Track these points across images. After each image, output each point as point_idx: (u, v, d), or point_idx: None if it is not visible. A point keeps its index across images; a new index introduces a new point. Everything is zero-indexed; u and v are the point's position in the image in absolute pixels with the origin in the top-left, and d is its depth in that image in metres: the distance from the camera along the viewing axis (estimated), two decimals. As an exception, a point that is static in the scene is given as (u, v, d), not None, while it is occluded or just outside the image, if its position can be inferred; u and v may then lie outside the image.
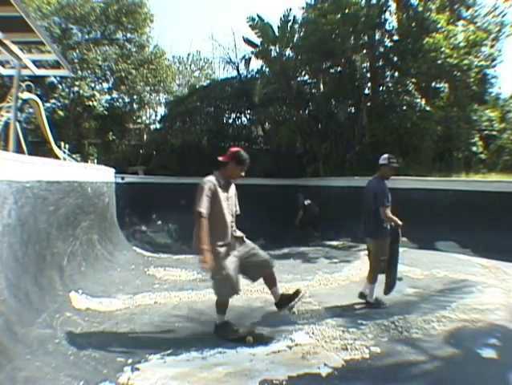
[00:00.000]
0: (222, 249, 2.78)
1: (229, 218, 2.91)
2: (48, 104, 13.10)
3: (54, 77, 13.10)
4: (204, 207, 2.66)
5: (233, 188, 3.11)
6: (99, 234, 5.61)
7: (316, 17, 10.54)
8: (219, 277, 2.77)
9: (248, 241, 3.04)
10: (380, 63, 11.18)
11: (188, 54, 20.49)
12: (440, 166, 9.60)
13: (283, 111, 12.87)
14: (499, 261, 5.49)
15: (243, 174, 3.06)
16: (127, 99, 15.26)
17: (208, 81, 17.95)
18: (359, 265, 5.59)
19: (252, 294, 4.12)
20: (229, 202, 2.97)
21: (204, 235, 2.59)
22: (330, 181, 10.15)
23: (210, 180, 2.82)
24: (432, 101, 10.30)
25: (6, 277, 2.71)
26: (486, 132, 10.24)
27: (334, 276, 4.92)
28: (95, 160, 11.15)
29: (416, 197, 7.71)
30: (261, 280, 3.08)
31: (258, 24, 11.42)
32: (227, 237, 2.85)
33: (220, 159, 2.96)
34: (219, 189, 2.83)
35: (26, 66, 7.22)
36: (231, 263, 2.80)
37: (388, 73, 11.44)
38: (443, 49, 9.20)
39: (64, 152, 9.35)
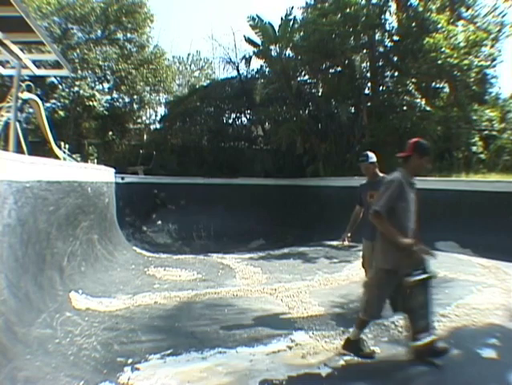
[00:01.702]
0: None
1: (411, 223, 2.57)
2: (48, 104, 13.09)
3: (55, 77, 13.09)
4: (383, 206, 2.39)
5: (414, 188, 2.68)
6: (99, 234, 5.61)
7: (316, 17, 10.54)
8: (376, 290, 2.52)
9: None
10: (380, 63, 11.18)
11: (188, 54, 20.50)
12: (440, 166, 9.59)
13: (283, 111, 12.87)
14: (499, 261, 5.49)
15: (429, 165, 2.68)
16: (127, 99, 15.27)
17: (208, 81, 17.95)
18: (360, 265, 5.58)
19: (252, 294, 4.12)
20: (413, 204, 2.58)
21: (394, 230, 2.36)
22: (330, 181, 10.15)
23: (398, 178, 2.49)
24: (432, 101, 10.30)
25: (6, 277, 2.70)
26: (486, 132, 10.23)
27: (334, 276, 4.92)
28: (95, 160, 11.15)
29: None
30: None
31: (259, 24, 11.43)
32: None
33: (401, 155, 2.63)
34: (406, 188, 2.49)
35: (26, 66, 7.22)
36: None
37: (388, 73, 11.44)
38: (443, 49, 9.20)
39: (64, 152, 9.34)
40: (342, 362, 2.47)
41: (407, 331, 2.60)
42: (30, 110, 10.36)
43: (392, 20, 11.09)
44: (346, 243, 3.55)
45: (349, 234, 3.56)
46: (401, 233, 2.40)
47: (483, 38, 9.83)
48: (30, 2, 12.50)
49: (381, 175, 3.55)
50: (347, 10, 10.07)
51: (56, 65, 8.94)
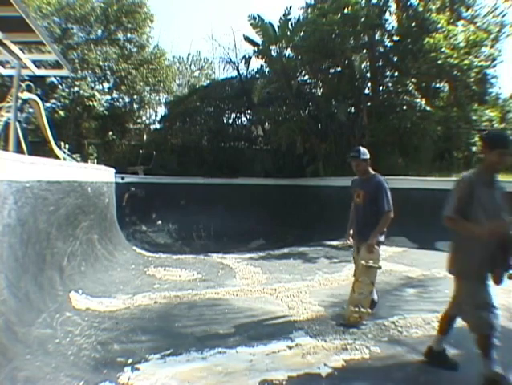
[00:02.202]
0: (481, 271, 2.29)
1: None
2: (48, 104, 13.09)
3: (54, 77, 13.10)
4: (452, 209, 2.28)
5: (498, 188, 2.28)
6: (99, 234, 5.61)
7: (316, 17, 10.54)
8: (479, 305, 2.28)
9: None
10: (380, 63, 11.18)
11: (189, 54, 20.51)
12: (440, 166, 9.60)
13: (283, 111, 12.88)
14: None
15: (509, 158, 2.20)
16: (127, 99, 15.27)
17: (208, 81, 17.96)
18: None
19: (252, 294, 4.12)
20: (493, 205, 2.20)
21: (470, 224, 2.17)
22: (330, 181, 10.15)
23: (467, 177, 2.29)
24: (432, 101, 10.30)
25: (6, 277, 2.70)
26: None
27: (334, 276, 4.92)
28: (95, 160, 11.15)
29: (416, 197, 7.71)
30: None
31: (259, 23, 11.43)
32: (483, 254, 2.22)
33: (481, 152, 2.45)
34: (479, 188, 2.20)
35: (26, 66, 7.22)
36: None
37: (388, 73, 11.44)
38: (443, 49, 9.20)
39: (64, 152, 9.35)
40: (342, 362, 2.47)
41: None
42: (30, 110, 10.37)
43: (391, 20, 11.12)
44: (349, 242, 3.48)
45: (351, 232, 3.49)
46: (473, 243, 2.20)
47: (483, 38, 9.83)
48: (30, 1, 12.51)
49: (372, 173, 3.43)
50: (347, 10, 10.07)
51: (56, 65, 8.95)
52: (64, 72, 9.07)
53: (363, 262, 3.11)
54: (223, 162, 12.60)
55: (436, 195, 7.43)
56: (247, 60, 13.18)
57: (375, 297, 3.31)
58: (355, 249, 3.40)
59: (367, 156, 3.35)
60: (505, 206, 2.25)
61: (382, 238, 3.28)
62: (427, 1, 10.10)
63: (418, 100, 10.03)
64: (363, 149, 3.36)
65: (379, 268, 3.20)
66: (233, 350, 2.65)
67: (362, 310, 3.08)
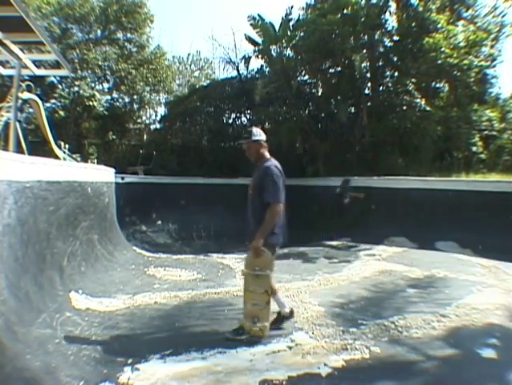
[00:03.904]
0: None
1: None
2: (48, 104, 13.09)
3: (54, 77, 13.10)
4: None
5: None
6: (99, 234, 5.61)
7: (316, 17, 10.55)
8: None
9: None
10: (380, 63, 11.18)
11: (189, 54, 20.51)
12: (440, 166, 9.60)
13: (283, 111, 12.88)
14: (499, 261, 5.49)
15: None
16: (127, 99, 15.27)
17: (208, 81, 17.97)
18: (359, 265, 5.60)
19: (252, 294, 4.12)
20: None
21: None
22: (330, 181, 10.15)
23: None
24: (432, 101, 10.30)
25: (6, 277, 2.70)
26: (486, 132, 10.24)
27: (334, 276, 4.92)
28: (95, 160, 11.15)
29: (416, 197, 7.71)
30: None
31: (259, 23, 11.43)
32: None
33: None
34: None
35: (26, 66, 7.22)
36: None
37: (388, 73, 11.44)
38: (443, 49, 9.20)
39: (64, 152, 9.34)
40: (342, 362, 2.47)
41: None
42: (30, 110, 10.36)
43: (391, 20, 11.11)
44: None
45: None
46: None
47: (483, 38, 9.83)
48: (30, 1, 12.51)
49: (267, 157, 2.94)
50: (347, 10, 10.07)
51: (56, 65, 8.96)
52: (64, 72, 9.08)
53: (246, 271, 2.73)
54: (223, 162, 12.59)
55: (436, 195, 7.46)
56: (247, 60, 13.19)
57: (286, 309, 3.00)
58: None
59: (261, 138, 2.91)
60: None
61: (275, 239, 2.76)
62: (427, 1, 10.10)
63: (418, 100, 10.03)
64: (255, 129, 2.93)
65: (268, 276, 2.73)
66: (233, 350, 2.65)
67: (258, 324, 2.71)
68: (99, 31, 14.48)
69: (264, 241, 2.64)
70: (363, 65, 10.72)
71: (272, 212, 2.63)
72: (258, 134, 2.89)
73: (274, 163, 2.84)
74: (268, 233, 2.65)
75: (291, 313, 3.05)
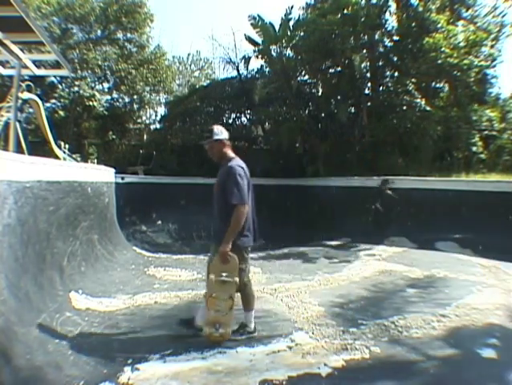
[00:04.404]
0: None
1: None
2: (48, 104, 13.09)
3: (54, 77, 13.10)
4: None
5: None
6: (99, 234, 5.61)
7: (316, 17, 10.55)
8: None
9: None
10: (380, 63, 11.17)
11: (189, 54, 20.52)
12: (440, 166, 9.60)
13: (283, 111, 12.87)
14: (499, 261, 5.49)
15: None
16: (127, 99, 15.27)
17: (208, 81, 17.97)
18: (359, 265, 5.60)
19: (252, 294, 4.12)
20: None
21: None
22: (330, 181, 10.15)
23: None
24: (432, 101, 10.30)
25: (6, 277, 2.70)
26: (486, 132, 10.24)
27: (334, 276, 4.92)
28: (95, 160, 11.15)
29: (416, 197, 7.71)
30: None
31: (259, 23, 11.43)
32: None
33: None
34: None
35: (26, 66, 7.21)
36: None
37: (388, 73, 11.44)
38: (443, 49, 9.19)
39: (64, 152, 9.35)
40: (342, 362, 2.47)
41: None
42: (30, 110, 10.36)
43: (391, 20, 11.10)
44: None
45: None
46: None
47: (483, 38, 9.82)
48: (30, 1, 12.51)
49: (231, 157, 2.81)
50: (347, 10, 10.07)
51: (56, 65, 8.95)
52: (64, 72, 9.07)
53: (212, 277, 2.61)
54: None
55: (436, 195, 7.46)
56: (247, 60, 13.18)
57: (252, 325, 2.88)
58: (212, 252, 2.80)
59: (224, 136, 2.79)
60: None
61: (246, 241, 2.69)
62: (427, 1, 10.10)
63: (418, 100, 10.03)
64: (217, 128, 2.81)
65: (236, 283, 2.65)
66: (233, 350, 2.65)
67: (221, 330, 2.64)
68: (99, 31, 14.48)
69: (233, 243, 2.58)
70: (363, 65, 10.72)
71: (237, 214, 2.55)
72: (220, 133, 2.79)
73: (238, 162, 2.75)
74: (236, 235, 2.60)
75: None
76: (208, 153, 2.81)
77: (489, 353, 2.60)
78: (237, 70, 14.24)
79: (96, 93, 13.80)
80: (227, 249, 2.55)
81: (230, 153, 2.82)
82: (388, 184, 8.25)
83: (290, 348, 2.70)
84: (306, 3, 11.93)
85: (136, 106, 15.65)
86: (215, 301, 2.64)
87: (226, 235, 2.56)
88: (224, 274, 2.61)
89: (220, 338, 2.68)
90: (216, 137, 2.75)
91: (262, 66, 13.53)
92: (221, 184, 2.70)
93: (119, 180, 8.75)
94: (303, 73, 12.41)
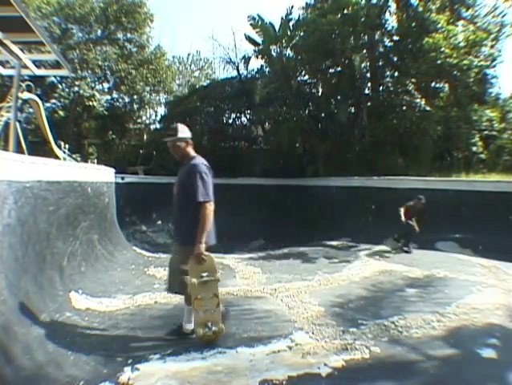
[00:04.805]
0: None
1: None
2: (48, 104, 13.11)
3: (54, 77, 13.12)
4: None
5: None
6: (99, 234, 5.61)
7: (316, 17, 10.56)
8: None
9: None
10: (380, 63, 11.18)
11: (189, 55, 20.54)
12: (440, 166, 9.60)
13: (283, 111, 12.89)
14: (499, 261, 5.49)
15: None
16: (127, 99, 15.29)
17: (208, 81, 17.99)
18: (359, 265, 5.60)
19: (252, 294, 4.12)
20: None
21: None
22: (330, 181, 10.16)
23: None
24: (432, 101, 10.31)
25: (6, 277, 2.70)
26: (486, 132, 10.24)
27: (334, 276, 4.92)
28: (95, 160, 11.16)
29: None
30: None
31: (259, 23, 11.45)
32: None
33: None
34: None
35: (26, 66, 7.22)
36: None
37: (388, 73, 11.45)
38: (443, 49, 9.20)
39: (64, 152, 9.36)
40: (342, 362, 2.47)
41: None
42: (30, 110, 10.37)
43: (391, 20, 11.12)
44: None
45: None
46: None
47: (483, 38, 9.83)
48: (30, 1, 12.53)
49: (193, 155, 2.76)
50: (347, 10, 10.08)
51: (56, 65, 8.96)
52: (64, 72, 9.08)
53: (194, 280, 2.57)
54: (223, 162, 12.59)
55: (436, 195, 7.46)
56: (247, 60, 13.20)
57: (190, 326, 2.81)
58: (176, 252, 2.77)
59: (187, 135, 2.78)
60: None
61: (208, 238, 2.60)
62: (427, 1, 10.11)
63: (418, 100, 10.04)
64: (181, 126, 2.80)
65: (218, 280, 2.66)
66: (233, 350, 2.64)
67: (214, 328, 2.66)
68: (99, 31, 14.50)
69: (193, 241, 2.53)
70: (363, 65, 10.73)
71: (205, 212, 2.51)
72: (185, 131, 2.77)
73: (201, 160, 2.72)
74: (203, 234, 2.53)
75: (193, 331, 2.81)
76: (170, 151, 2.76)
77: (489, 353, 2.60)
78: (237, 70, 14.25)
79: (96, 93, 13.81)
80: (202, 250, 2.51)
81: (192, 152, 2.80)
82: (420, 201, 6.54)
83: (290, 348, 2.69)
84: (306, 3, 11.95)
85: (136, 106, 15.67)
86: (201, 302, 2.63)
87: (198, 236, 2.49)
88: (204, 274, 2.60)
89: (214, 336, 2.69)
90: (181, 135, 2.73)
91: (262, 66, 13.57)
92: (184, 182, 2.64)
93: (119, 180, 8.75)
94: (303, 73, 12.43)
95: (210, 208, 2.56)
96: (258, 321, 3.26)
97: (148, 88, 15.52)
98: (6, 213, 2.91)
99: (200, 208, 2.52)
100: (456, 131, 9.80)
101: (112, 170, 7.68)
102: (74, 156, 10.36)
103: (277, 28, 11.54)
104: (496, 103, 11.48)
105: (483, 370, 2.41)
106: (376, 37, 10.93)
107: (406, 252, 6.43)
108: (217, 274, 2.65)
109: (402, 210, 6.47)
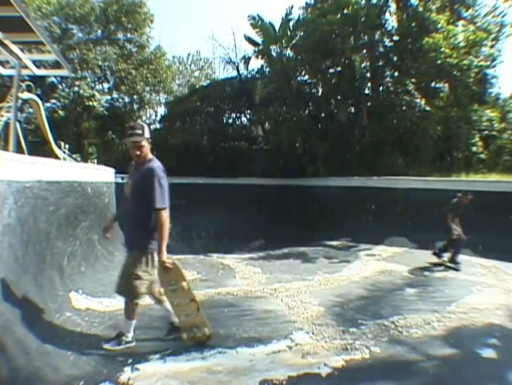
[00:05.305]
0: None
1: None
2: (48, 104, 13.10)
3: (55, 77, 13.12)
4: None
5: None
6: (99, 234, 5.59)
7: (316, 17, 10.56)
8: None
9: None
10: (380, 63, 11.18)
11: (189, 55, 20.51)
12: (440, 166, 9.60)
13: (283, 111, 12.89)
14: (499, 261, 5.49)
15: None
16: (127, 99, 15.29)
17: (208, 81, 17.98)
18: (359, 265, 5.60)
19: (252, 294, 4.12)
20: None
21: None
22: (330, 181, 10.16)
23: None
24: (432, 101, 10.31)
25: (6, 277, 2.70)
26: (486, 132, 10.24)
27: (334, 276, 4.92)
28: (95, 160, 11.15)
29: (416, 197, 7.71)
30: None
31: (259, 23, 11.45)
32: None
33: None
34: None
35: (26, 66, 7.22)
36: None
37: (388, 73, 11.45)
38: (443, 49, 9.20)
39: (64, 152, 9.36)
40: (342, 362, 2.47)
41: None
42: (30, 110, 10.37)
43: (391, 20, 11.12)
44: (108, 236, 2.88)
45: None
46: None
47: (483, 38, 9.83)
48: (30, 1, 12.52)
49: (150, 157, 2.67)
50: (347, 10, 10.08)
51: (56, 65, 8.95)
52: (64, 72, 9.08)
53: (163, 289, 2.59)
54: (223, 162, 12.60)
55: (436, 195, 7.45)
56: (247, 60, 13.20)
57: (130, 335, 2.68)
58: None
59: (149, 135, 2.68)
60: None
61: (151, 246, 2.55)
62: (427, 1, 10.11)
63: (418, 100, 10.04)
64: (146, 126, 2.69)
65: (184, 289, 2.62)
66: (233, 350, 2.65)
67: (203, 330, 2.68)
68: (99, 31, 14.49)
69: (141, 245, 2.53)
70: (363, 65, 10.73)
71: (162, 219, 2.47)
72: (148, 131, 2.67)
73: (158, 164, 2.65)
74: (150, 240, 2.53)
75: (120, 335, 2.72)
76: (133, 150, 2.60)
77: (489, 353, 2.60)
78: (237, 71, 14.25)
79: (96, 93, 13.81)
80: (165, 258, 2.48)
81: (150, 154, 2.71)
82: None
83: (290, 348, 2.69)
84: (306, 3, 11.94)
85: (136, 106, 15.66)
86: (179, 308, 2.64)
87: (161, 244, 2.47)
88: (172, 283, 2.58)
89: (203, 337, 2.69)
90: (147, 135, 2.62)
91: (262, 66, 13.57)
92: (141, 186, 2.56)
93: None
94: (303, 73, 12.42)
95: (166, 214, 2.50)
96: (258, 321, 3.26)
97: (148, 88, 15.51)
98: (6, 213, 2.91)
99: (155, 214, 2.48)
100: (456, 131, 9.80)
101: (112, 170, 7.68)
102: (74, 155, 10.36)
103: (277, 28, 11.53)
104: (496, 103, 11.48)
105: (483, 370, 2.42)
106: (376, 37, 10.93)
107: (454, 269, 5.07)
108: (183, 282, 2.60)
109: (449, 212, 5.30)
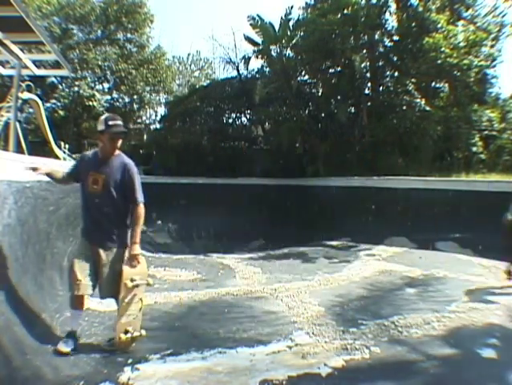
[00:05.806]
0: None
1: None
2: (48, 104, 13.11)
3: (55, 77, 13.14)
4: None
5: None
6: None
7: (316, 17, 10.55)
8: None
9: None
10: (380, 63, 11.18)
11: (189, 55, 20.53)
12: (440, 166, 9.60)
13: (283, 111, 12.88)
14: (499, 261, 5.48)
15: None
16: (127, 99, 15.31)
17: (208, 81, 17.99)
18: (359, 265, 5.60)
19: (252, 294, 4.12)
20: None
21: None
22: (330, 181, 10.15)
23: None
24: (432, 101, 10.30)
25: (6, 277, 2.70)
26: (486, 132, 10.24)
27: (334, 276, 4.92)
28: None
29: (416, 197, 7.71)
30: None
31: (259, 23, 11.45)
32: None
33: None
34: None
35: (26, 66, 7.23)
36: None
37: (388, 73, 11.44)
38: (443, 49, 9.20)
39: (64, 152, 9.36)
40: (342, 362, 2.47)
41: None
42: (30, 110, 10.38)
43: (391, 20, 11.11)
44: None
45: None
46: None
47: (483, 38, 9.83)
48: (30, 1, 12.53)
49: (118, 152, 2.60)
50: (347, 10, 10.08)
51: (56, 65, 8.97)
52: (64, 72, 9.10)
53: (128, 283, 2.49)
54: (223, 162, 12.60)
55: (436, 195, 7.46)
56: (247, 60, 13.19)
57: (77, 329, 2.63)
58: (84, 252, 2.61)
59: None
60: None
61: (138, 238, 2.52)
62: (427, 1, 10.10)
63: (418, 100, 10.04)
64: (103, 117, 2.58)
65: (150, 285, 2.64)
66: (233, 350, 2.64)
67: (136, 333, 2.58)
68: (99, 31, 14.51)
69: (122, 242, 2.52)
70: (363, 65, 10.72)
71: (141, 211, 2.49)
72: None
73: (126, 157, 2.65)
74: (128, 234, 2.52)
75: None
76: (115, 142, 2.52)
77: (489, 353, 2.60)
78: (237, 70, 14.25)
79: (96, 93, 13.82)
80: (140, 251, 2.48)
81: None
82: None
83: (290, 348, 2.69)
84: (306, 3, 11.93)
85: (136, 106, 15.68)
86: (127, 307, 2.55)
87: (135, 236, 2.46)
88: (137, 277, 2.53)
89: (130, 341, 2.58)
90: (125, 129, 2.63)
91: (262, 66, 13.55)
92: (118, 179, 2.49)
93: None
94: (303, 73, 12.42)
95: (143, 208, 2.52)
96: (258, 321, 3.25)
97: (148, 88, 15.54)
98: (6, 213, 2.91)
99: (134, 207, 2.50)
100: (456, 131, 9.80)
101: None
102: (74, 155, 10.36)
103: (277, 28, 11.53)
104: (496, 103, 11.48)
105: (483, 370, 2.41)
106: (376, 37, 10.92)
107: None
108: (148, 279, 2.61)
109: None
